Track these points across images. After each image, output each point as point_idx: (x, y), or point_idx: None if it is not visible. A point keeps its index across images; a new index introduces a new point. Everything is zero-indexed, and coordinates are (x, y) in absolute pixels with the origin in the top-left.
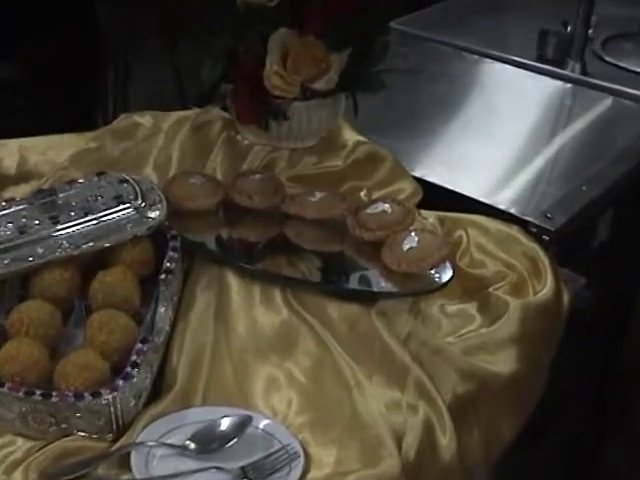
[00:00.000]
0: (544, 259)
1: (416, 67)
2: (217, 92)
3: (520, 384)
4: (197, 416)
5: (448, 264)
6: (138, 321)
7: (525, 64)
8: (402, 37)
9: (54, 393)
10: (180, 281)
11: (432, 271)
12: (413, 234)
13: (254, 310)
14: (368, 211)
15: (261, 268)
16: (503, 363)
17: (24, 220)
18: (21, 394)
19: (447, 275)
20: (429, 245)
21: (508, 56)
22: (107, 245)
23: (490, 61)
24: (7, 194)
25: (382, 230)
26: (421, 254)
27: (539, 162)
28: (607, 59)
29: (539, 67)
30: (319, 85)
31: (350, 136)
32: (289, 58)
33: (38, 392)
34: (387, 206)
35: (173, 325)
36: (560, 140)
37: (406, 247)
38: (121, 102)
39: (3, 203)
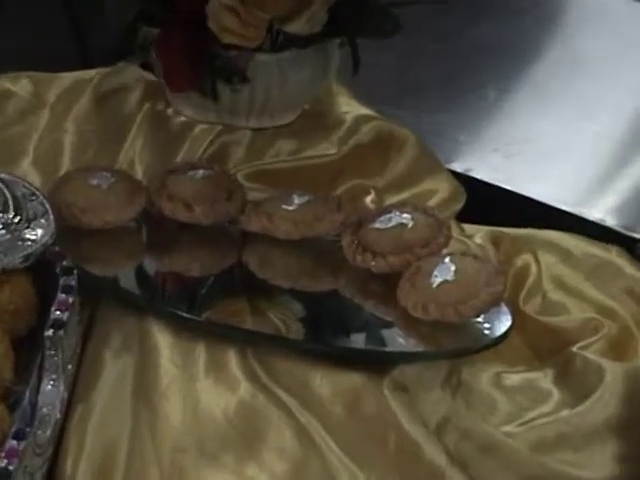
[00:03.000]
0: None
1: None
2: (134, 40)
3: None
4: None
5: (505, 308)
6: (10, 405)
7: None
8: None
9: None
10: (78, 340)
11: (479, 319)
12: (448, 261)
13: (196, 385)
14: (377, 225)
15: (208, 318)
16: (596, 465)
17: None
18: None
19: (503, 325)
20: (474, 277)
21: None
22: None
23: None
24: None
25: (398, 255)
26: (461, 292)
27: None
28: None
29: None
30: (297, 27)
31: (349, 108)
32: None
33: None
34: (407, 217)
35: (68, 410)
36: None
37: (437, 281)
38: None
39: None
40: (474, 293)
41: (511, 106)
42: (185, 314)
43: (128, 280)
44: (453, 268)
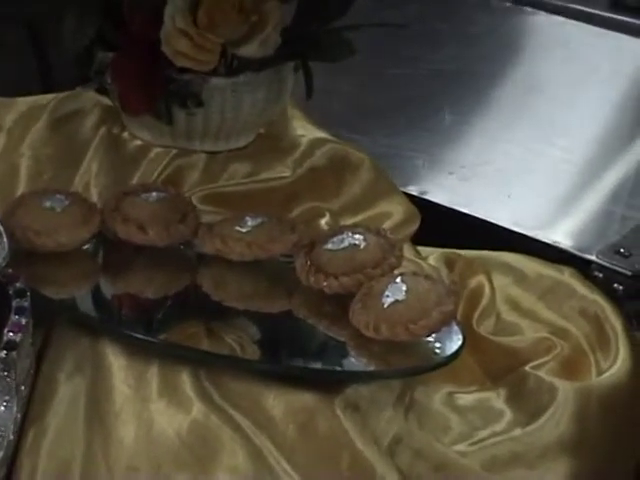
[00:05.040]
0: (614, 320)
1: (415, 22)
2: (89, 65)
3: None
4: None
5: (456, 327)
6: None
7: (592, 15)
8: None
9: None
10: (31, 362)
11: (430, 338)
12: (399, 281)
13: (150, 406)
14: (329, 246)
15: (163, 340)
16: None
17: None
18: None
19: (454, 344)
20: (425, 297)
21: (563, 3)
22: None
23: (534, 11)
24: None
25: (350, 276)
26: (412, 311)
27: (610, 170)
28: None
29: (613, 19)
30: (250, 50)
31: (304, 131)
32: (201, 8)
33: None
34: (359, 238)
35: (21, 432)
36: None
37: (388, 301)
38: None
39: None
40: (425, 312)
41: (468, 130)
42: (140, 336)
43: (82, 302)
44: (404, 288)
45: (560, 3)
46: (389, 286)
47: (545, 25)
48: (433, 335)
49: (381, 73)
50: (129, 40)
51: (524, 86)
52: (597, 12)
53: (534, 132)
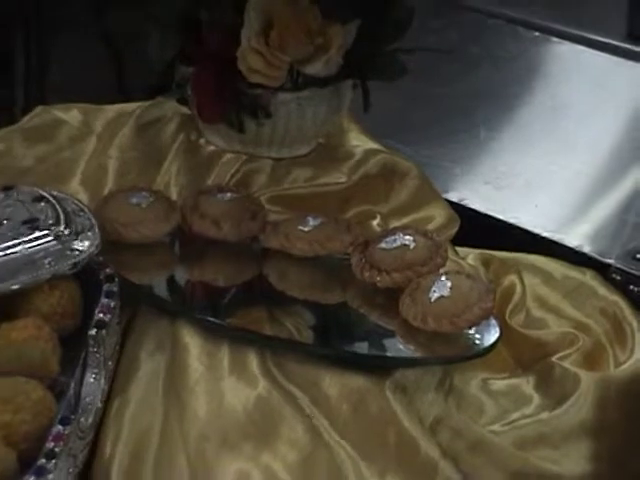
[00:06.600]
0: (631, 318)
1: (454, 47)
2: (171, 78)
3: None
4: None
5: (493, 321)
6: (57, 394)
7: (609, 45)
8: (436, 6)
9: None
10: (118, 340)
11: (471, 331)
12: (444, 278)
13: (221, 382)
14: (382, 246)
15: (231, 324)
16: (571, 461)
17: None
18: None
19: (492, 337)
20: (467, 294)
21: (585, 34)
22: (14, 288)
23: (558, 40)
24: None
25: (401, 272)
26: (456, 306)
27: (623, 182)
28: None
29: (630, 50)
30: (315, 69)
31: (359, 142)
32: (274, 30)
33: None
34: (409, 239)
35: (107, 400)
36: None
37: (435, 296)
38: (35, 90)
39: None
40: (467, 308)
41: (500, 144)
42: (211, 319)
43: (162, 288)
44: (449, 285)
45: (581, 33)
46: (435, 283)
47: (568, 53)
48: (474, 328)
49: (425, 92)
50: (207, 57)
51: (548, 106)
52: (615, 42)
53: (557, 148)
